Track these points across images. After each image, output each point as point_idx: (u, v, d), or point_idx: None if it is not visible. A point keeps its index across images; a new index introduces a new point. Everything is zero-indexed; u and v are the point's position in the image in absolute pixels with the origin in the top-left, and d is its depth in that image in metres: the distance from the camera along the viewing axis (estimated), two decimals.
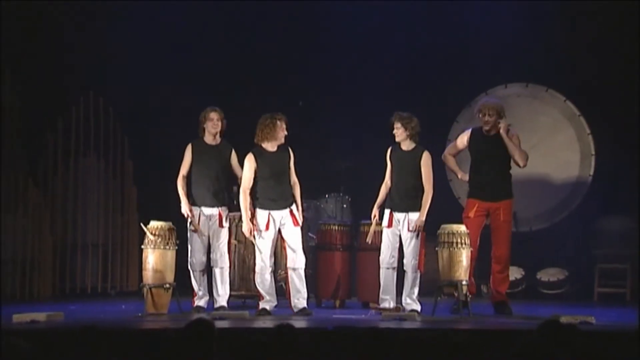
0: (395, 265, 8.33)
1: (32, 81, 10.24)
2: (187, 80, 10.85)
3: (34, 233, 10.00)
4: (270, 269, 8.28)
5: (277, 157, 8.31)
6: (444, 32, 10.87)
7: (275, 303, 8.33)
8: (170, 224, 8.36)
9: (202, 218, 8.45)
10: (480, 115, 8.46)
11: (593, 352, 4.43)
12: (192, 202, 8.46)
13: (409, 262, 8.27)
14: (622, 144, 10.54)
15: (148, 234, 8.27)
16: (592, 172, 10.61)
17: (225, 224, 8.50)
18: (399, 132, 8.36)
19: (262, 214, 8.27)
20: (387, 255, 8.34)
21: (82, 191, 10.49)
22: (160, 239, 8.25)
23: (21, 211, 9.94)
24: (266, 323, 7.43)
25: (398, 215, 8.31)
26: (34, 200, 10.03)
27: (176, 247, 8.34)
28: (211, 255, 8.50)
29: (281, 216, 8.26)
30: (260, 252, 8.25)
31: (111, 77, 10.51)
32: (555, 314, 7.33)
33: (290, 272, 8.30)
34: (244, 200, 8.27)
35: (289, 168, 8.34)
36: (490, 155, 8.45)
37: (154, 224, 8.33)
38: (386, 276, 8.33)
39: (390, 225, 8.33)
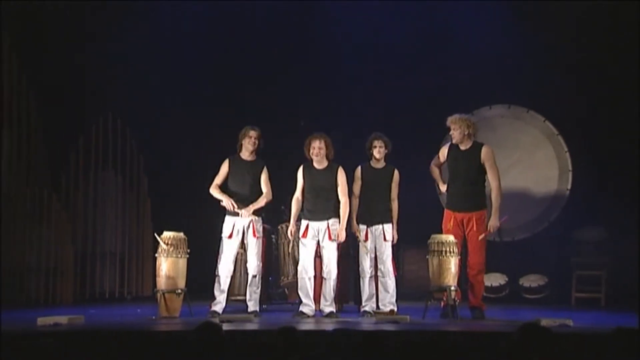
0: (373, 273, 8.38)
1: (56, 103, 10.28)
2: (197, 102, 10.88)
3: (56, 243, 10.00)
4: (309, 275, 8.27)
5: (322, 174, 8.34)
6: (433, 56, 10.89)
7: (313, 307, 8.29)
8: (182, 234, 8.36)
9: (236, 228, 8.41)
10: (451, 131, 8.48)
11: (570, 353, 4.44)
12: (227, 212, 8.41)
13: (387, 269, 8.33)
14: (597, 161, 10.56)
15: (161, 243, 8.27)
16: (569, 187, 10.63)
17: (258, 234, 8.46)
18: (381, 151, 8.39)
19: (302, 224, 8.35)
20: (366, 266, 8.36)
21: (101, 204, 10.51)
22: (172, 248, 8.25)
23: (45, 223, 9.94)
24: (304, 326, 7.42)
25: (373, 228, 8.36)
26: (57, 213, 10.04)
27: (187, 256, 8.33)
28: (247, 264, 8.46)
29: (318, 228, 8.29)
30: (301, 259, 8.33)
31: (128, 100, 10.54)
32: (537, 317, 7.32)
33: (323, 280, 8.33)
34: (293, 206, 8.40)
35: (335, 185, 8.31)
36: (462, 168, 8.41)
37: (166, 234, 8.33)
38: (369, 284, 8.37)
39: (366, 239, 8.37)
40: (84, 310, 8.58)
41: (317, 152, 8.30)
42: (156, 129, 10.76)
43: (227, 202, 8.35)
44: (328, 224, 8.29)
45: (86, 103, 10.49)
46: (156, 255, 8.36)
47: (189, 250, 8.35)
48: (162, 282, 8.24)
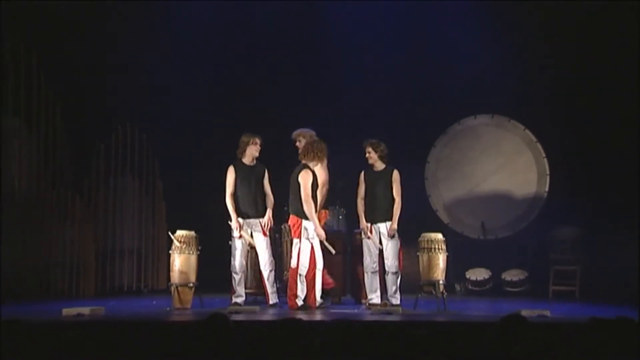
0: (377, 268, 8.29)
1: (79, 115, 10.28)
2: (207, 111, 10.87)
3: (80, 240, 10.01)
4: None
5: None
6: (424, 70, 10.90)
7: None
8: (193, 232, 8.35)
9: (244, 228, 8.33)
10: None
11: (547, 341, 4.42)
12: (237, 214, 8.34)
13: (390, 265, 8.21)
14: (572, 166, 10.57)
15: (175, 241, 8.27)
16: (547, 189, 10.62)
17: (267, 232, 8.38)
18: (371, 156, 8.31)
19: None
20: (370, 261, 8.28)
21: (120, 205, 10.50)
22: (185, 245, 8.25)
23: (69, 222, 9.94)
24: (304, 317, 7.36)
25: (377, 226, 8.27)
26: (80, 213, 10.04)
27: (198, 252, 8.31)
28: (261, 261, 8.37)
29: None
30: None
31: (145, 111, 10.54)
32: (518, 309, 7.31)
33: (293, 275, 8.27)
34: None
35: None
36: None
37: (179, 232, 8.33)
38: (371, 278, 8.29)
39: (371, 235, 8.29)
40: (104, 302, 8.60)
41: None
42: (170, 137, 10.76)
43: (235, 224, 8.27)
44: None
45: (107, 114, 10.49)
46: (170, 252, 8.35)
47: (200, 248, 8.35)
48: (175, 277, 8.24)
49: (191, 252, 8.26)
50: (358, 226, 8.92)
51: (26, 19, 9.72)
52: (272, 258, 8.40)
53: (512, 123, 10.89)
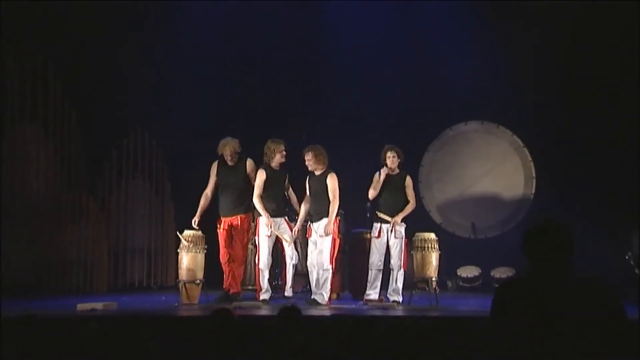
0: (382, 267, 8.23)
1: (93, 121, 10.27)
2: (213, 116, 10.85)
3: (93, 239, 10.01)
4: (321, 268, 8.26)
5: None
6: (418, 78, 10.91)
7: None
8: (200, 232, 8.35)
9: (273, 226, 8.28)
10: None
11: None
12: (263, 214, 8.30)
13: (395, 262, 8.15)
14: (557, 169, 10.58)
15: (182, 240, 8.27)
16: (533, 191, 10.65)
17: (293, 230, 8.38)
18: (394, 161, 8.25)
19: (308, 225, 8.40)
20: (375, 259, 8.19)
21: (131, 206, 10.49)
22: (192, 244, 8.25)
23: (84, 222, 9.95)
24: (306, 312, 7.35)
25: (386, 227, 8.20)
26: (93, 214, 10.04)
27: (205, 251, 8.31)
28: (287, 255, 8.33)
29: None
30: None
31: (154, 116, 10.54)
32: None
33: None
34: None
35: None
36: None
37: (187, 232, 8.33)
38: (374, 275, 8.21)
39: (379, 235, 8.21)
40: (116, 297, 8.59)
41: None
42: (179, 141, 10.74)
43: (268, 221, 8.21)
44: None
45: (118, 120, 10.48)
46: (178, 250, 8.35)
47: (206, 247, 8.35)
48: (183, 274, 8.23)
49: (198, 251, 8.27)
50: (356, 226, 8.94)
51: (32, 22, 9.67)
52: (295, 254, 8.39)
53: (501, 129, 10.91)
